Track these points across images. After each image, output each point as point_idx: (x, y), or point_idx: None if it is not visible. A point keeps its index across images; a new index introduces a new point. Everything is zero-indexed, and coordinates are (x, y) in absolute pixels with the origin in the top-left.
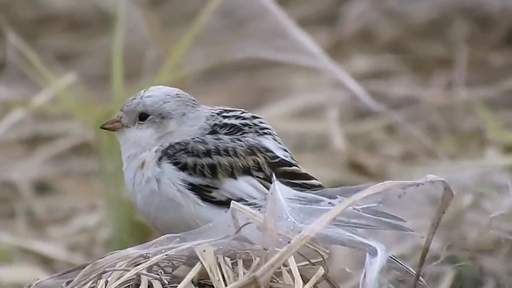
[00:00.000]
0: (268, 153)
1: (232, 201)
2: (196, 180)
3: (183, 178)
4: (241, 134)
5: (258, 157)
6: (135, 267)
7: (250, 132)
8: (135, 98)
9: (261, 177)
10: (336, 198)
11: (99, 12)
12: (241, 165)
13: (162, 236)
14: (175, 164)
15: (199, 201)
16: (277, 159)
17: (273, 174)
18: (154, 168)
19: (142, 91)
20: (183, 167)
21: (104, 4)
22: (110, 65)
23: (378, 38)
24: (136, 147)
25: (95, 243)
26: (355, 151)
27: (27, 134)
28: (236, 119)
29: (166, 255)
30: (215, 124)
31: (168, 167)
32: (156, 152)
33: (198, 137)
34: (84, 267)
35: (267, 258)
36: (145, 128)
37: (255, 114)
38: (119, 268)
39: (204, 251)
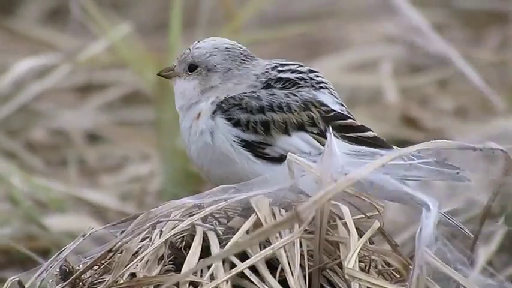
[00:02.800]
0: (323, 108)
1: (289, 153)
2: (249, 136)
3: (236, 134)
4: (296, 89)
5: (313, 112)
6: (190, 218)
7: (305, 86)
8: (187, 50)
9: (315, 132)
10: (392, 149)
11: None
12: (295, 121)
13: (217, 187)
14: (229, 119)
15: (252, 158)
16: (332, 113)
17: (329, 127)
18: (208, 120)
19: (196, 41)
20: (237, 123)
21: None
22: (164, 14)
23: None
24: (182, 97)
25: (147, 193)
26: (408, 105)
27: (80, 82)
28: (292, 72)
29: (221, 205)
30: (269, 79)
31: (221, 122)
32: (212, 104)
33: (252, 93)
34: (137, 217)
35: (323, 212)
36: (191, 80)
37: (311, 68)
38: (174, 218)
39: (259, 201)
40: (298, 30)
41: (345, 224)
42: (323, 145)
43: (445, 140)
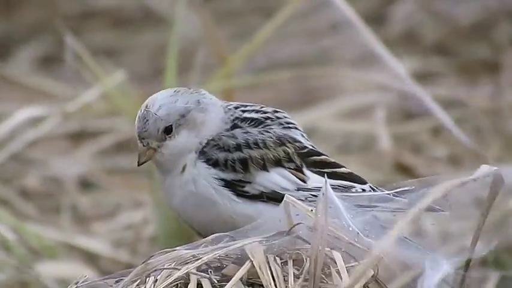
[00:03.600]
0: (296, 143)
1: (286, 195)
2: (228, 175)
3: (215, 174)
4: (263, 127)
5: (288, 147)
6: (186, 266)
7: (273, 124)
8: (146, 120)
9: (292, 168)
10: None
11: (142, 8)
12: (272, 156)
13: (211, 236)
14: (208, 160)
15: (234, 197)
16: (306, 149)
17: (325, 175)
18: (192, 169)
19: (143, 109)
20: (215, 164)
21: (147, 0)
22: (158, 62)
23: (424, 40)
24: (182, 154)
25: (140, 240)
26: (402, 152)
27: (73, 129)
28: (256, 112)
29: (217, 254)
30: (236, 118)
31: (202, 166)
32: (196, 152)
33: (226, 132)
34: (133, 268)
35: (317, 259)
36: (179, 134)
37: (277, 109)
38: (169, 267)
39: (254, 249)
40: (289, 74)
41: (338, 271)
42: (302, 180)
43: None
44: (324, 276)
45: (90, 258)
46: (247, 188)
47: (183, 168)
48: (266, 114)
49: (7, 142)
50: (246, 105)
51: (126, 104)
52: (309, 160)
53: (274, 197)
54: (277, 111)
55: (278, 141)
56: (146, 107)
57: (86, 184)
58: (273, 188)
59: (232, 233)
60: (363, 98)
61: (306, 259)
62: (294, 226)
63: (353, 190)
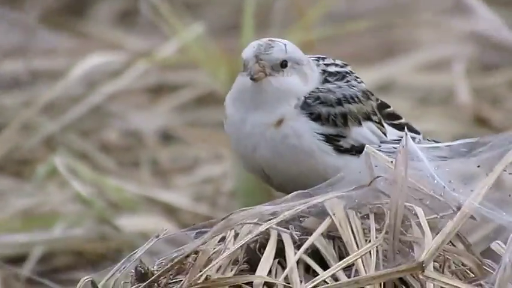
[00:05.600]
0: (373, 96)
1: (367, 146)
2: (328, 130)
3: (318, 129)
4: (347, 82)
5: (372, 100)
6: (267, 222)
7: (351, 79)
8: (272, 46)
9: (377, 121)
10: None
11: None
12: (365, 110)
13: (291, 194)
14: (311, 114)
15: (331, 151)
16: (379, 101)
17: (405, 127)
18: (293, 123)
19: (266, 40)
20: (317, 118)
21: None
22: (236, 16)
23: None
24: (285, 94)
25: (220, 194)
26: (481, 105)
27: (152, 83)
28: (335, 66)
29: (297, 211)
30: (323, 71)
31: (305, 120)
32: (295, 107)
33: (322, 87)
34: (215, 223)
35: (397, 213)
36: (291, 75)
37: (345, 62)
38: (250, 222)
39: (334, 205)
40: (369, 25)
41: (418, 224)
42: (384, 133)
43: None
44: (404, 230)
45: (169, 211)
46: (341, 142)
47: (279, 122)
48: (344, 69)
49: (86, 95)
50: (324, 58)
51: (204, 57)
52: (384, 112)
53: (362, 150)
54: (346, 65)
55: (365, 94)
56: (270, 39)
57: (165, 138)
58: (362, 142)
59: (312, 190)
60: (442, 51)
61: (387, 212)
62: (374, 179)
63: (416, 140)
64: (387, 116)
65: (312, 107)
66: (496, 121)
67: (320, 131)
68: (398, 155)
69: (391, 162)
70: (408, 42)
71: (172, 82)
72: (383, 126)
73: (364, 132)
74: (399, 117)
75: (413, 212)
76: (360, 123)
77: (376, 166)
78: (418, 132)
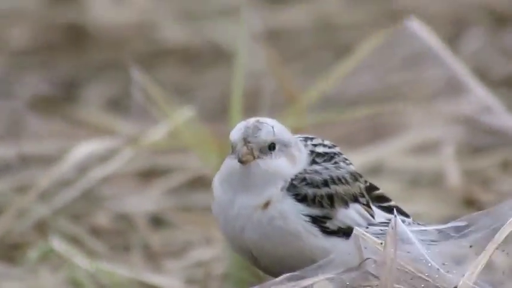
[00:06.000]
0: (362, 178)
1: (355, 228)
2: (314, 211)
3: (303, 210)
4: (334, 163)
5: (360, 182)
6: None
7: (339, 160)
8: (259, 128)
9: (365, 203)
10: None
11: (213, 46)
12: (352, 192)
13: (281, 277)
14: (296, 195)
15: (318, 233)
16: (368, 183)
17: (394, 210)
18: (279, 205)
19: (253, 120)
20: (303, 199)
21: (218, 38)
22: (226, 99)
23: (492, 75)
24: (273, 177)
25: (211, 277)
26: (471, 187)
27: (143, 167)
28: (323, 147)
29: None
30: (311, 152)
31: (290, 201)
32: (281, 189)
33: (308, 168)
34: None
35: None
36: (279, 157)
37: (333, 143)
38: None
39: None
40: (365, 112)
41: None
42: (371, 215)
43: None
44: None
45: None
46: (328, 224)
47: (266, 204)
48: (332, 150)
49: (77, 179)
50: (312, 138)
51: (195, 141)
52: (372, 195)
53: (349, 232)
54: (335, 146)
55: (353, 176)
56: (257, 120)
57: (156, 221)
58: (349, 224)
59: (302, 272)
60: (431, 133)
61: None
62: (364, 261)
63: (406, 223)
64: (376, 198)
65: (298, 189)
66: (487, 203)
67: (306, 212)
68: (388, 236)
69: (381, 243)
70: (398, 124)
71: (163, 166)
72: (371, 208)
73: (351, 214)
74: (388, 200)
75: None
76: (346, 205)
77: (365, 248)
78: (407, 215)
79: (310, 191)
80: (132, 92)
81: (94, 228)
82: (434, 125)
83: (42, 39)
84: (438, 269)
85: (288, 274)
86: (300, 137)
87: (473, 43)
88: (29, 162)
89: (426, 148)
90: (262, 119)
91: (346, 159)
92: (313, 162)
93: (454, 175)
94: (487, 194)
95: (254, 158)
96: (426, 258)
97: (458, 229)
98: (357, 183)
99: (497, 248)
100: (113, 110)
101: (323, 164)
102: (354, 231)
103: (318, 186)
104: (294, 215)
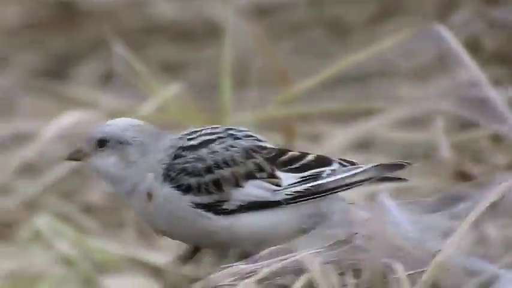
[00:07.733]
0: (264, 151)
1: (343, 203)
2: (204, 199)
3: (190, 201)
4: (220, 144)
5: (256, 158)
6: (244, 281)
7: (227, 139)
8: (96, 127)
9: (265, 177)
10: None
11: (204, 22)
12: (243, 172)
13: (265, 250)
14: (179, 187)
15: (212, 216)
16: (274, 153)
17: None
18: (161, 192)
19: (111, 120)
20: (188, 189)
21: (209, 14)
22: (217, 76)
23: (482, 49)
24: (109, 178)
25: (202, 252)
26: (462, 160)
27: None
28: (206, 135)
29: (275, 268)
30: (179, 147)
31: (173, 193)
32: (156, 180)
33: (195, 155)
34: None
35: (375, 268)
36: (108, 156)
37: (232, 126)
38: (228, 283)
39: (310, 261)
40: (351, 87)
41: (397, 280)
42: (276, 185)
43: None
44: (382, 286)
45: (155, 272)
46: (225, 206)
47: (150, 196)
48: (219, 134)
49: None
50: (194, 132)
51: (183, 117)
52: (278, 162)
53: (253, 206)
54: (231, 129)
55: (246, 154)
56: (113, 119)
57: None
58: (250, 200)
59: (290, 245)
60: (421, 107)
61: (364, 269)
62: (352, 235)
63: (323, 175)
64: (283, 163)
65: (179, 179)
66: (478, 176)
67: (196, 201)
68: (375, 211)
69: (367, 221)
70: (387, 99)
71: None
72: (275, 177)
73: (248, 191)
74: (303, 156)
75: (392, 268)
76: (238, 185)
77: (356, 233)
78: (331, 162)
79: (192, 180)
80: (115, 68)
81: (86, 205)
82: (425, 98)
83: (33, 17)
84: (421, 241)
85: (275, 247)
86: (179, 135)
87: (464, 17)
88: (17, 139)
89: (417, 122)
90: (121, 119)
91: (249, 137)
92: (177, 157)
93: (445, 148)
94: (478, 167)
95: (83, 155)
96: (407, 230)
97: (447, 202)
98: (252, 160)
99: (489, 222)
100: (104, 87)
101: (213, 145)
102: (342, 206)
103: (200, 175)
104: (176, 203)
